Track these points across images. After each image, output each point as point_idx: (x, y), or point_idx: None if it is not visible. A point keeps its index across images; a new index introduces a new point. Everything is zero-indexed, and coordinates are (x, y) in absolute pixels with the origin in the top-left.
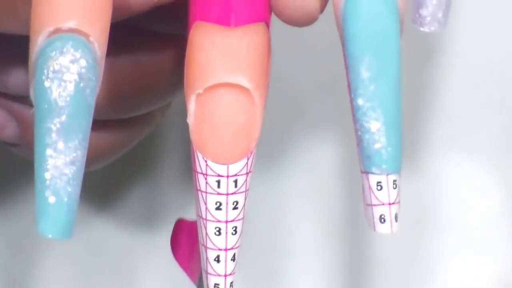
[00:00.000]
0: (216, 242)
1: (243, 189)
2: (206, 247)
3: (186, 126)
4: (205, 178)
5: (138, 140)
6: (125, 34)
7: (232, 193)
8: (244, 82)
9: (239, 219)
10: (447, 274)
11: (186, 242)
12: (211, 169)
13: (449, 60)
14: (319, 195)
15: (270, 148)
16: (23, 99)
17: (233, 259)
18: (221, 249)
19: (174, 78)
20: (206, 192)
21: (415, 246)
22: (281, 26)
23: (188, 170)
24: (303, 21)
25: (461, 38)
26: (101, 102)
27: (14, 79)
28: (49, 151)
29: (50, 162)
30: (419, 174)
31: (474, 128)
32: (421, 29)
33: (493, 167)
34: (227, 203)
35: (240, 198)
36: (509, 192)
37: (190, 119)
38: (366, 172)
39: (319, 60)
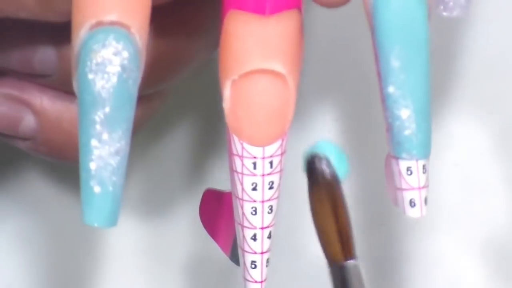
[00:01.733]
0: (252, 221)
1: (278, 169)
2: (243, 226)
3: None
4: (241, 160)
5: (151, 118)
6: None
7: (268, 174)
8: (279, 67)
9: (274, 198)
10: (446, 274)
11: (216, 213)
12: (247, 151)
13: (448, 60)
14: None
15: None
16: (47, 79)
17: (269, 236)
18: (257, 228)
19: (200, 55)
20: (242, 174)
21: (413, 246)
22: None
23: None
24: (337, 2)
25: (461, 37)
26: None
27: (40, 55)
28: (94, 142)
29: (95, 152)
30: None
31: (473, 127)
32: (444, 14)
33: (492, 167)
34: (263, 184)
35: (275, 178)
36: (508, 192)
37: (226, 104)
38: (396, 158)
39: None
